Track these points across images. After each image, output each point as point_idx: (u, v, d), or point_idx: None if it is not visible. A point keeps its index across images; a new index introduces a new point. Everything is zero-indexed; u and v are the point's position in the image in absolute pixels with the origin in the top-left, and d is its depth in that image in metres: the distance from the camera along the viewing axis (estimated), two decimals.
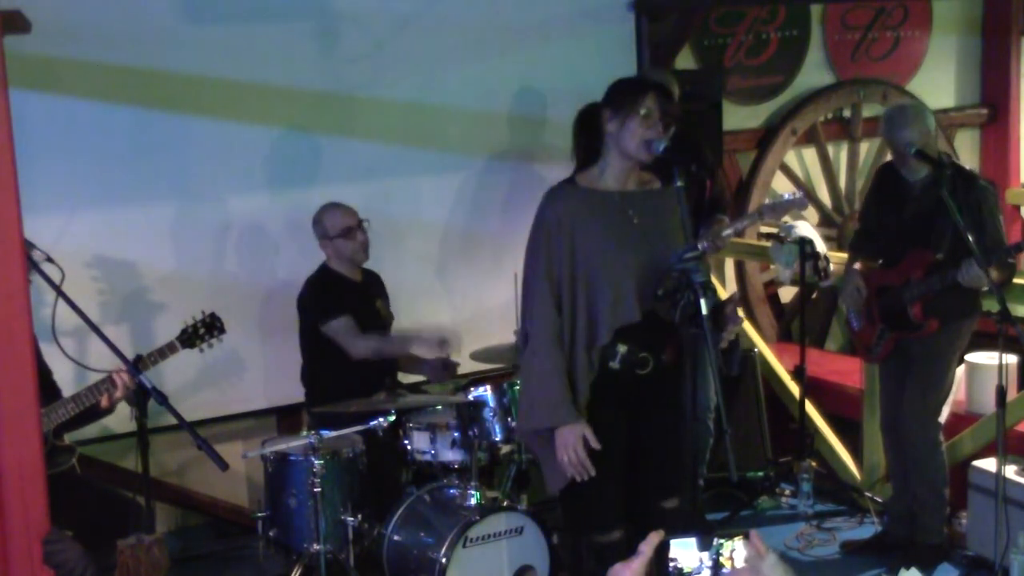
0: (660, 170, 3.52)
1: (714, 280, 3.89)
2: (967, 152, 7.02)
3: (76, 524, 3.81)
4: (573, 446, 3.32)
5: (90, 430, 4.58)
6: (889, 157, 4.71)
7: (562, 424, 3.33)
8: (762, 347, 5.57)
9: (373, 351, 4.54)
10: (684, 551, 1.95)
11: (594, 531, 3.47)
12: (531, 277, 3.44)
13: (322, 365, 4.63)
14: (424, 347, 4.62)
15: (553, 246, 3.38)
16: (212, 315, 4.18)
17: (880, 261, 4.53)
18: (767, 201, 5.63)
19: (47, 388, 3.86)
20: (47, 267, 3.57)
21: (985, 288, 4.08)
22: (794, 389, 5.27)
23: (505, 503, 4.11)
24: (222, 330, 4.20)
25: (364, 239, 4.63)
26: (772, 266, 5.76)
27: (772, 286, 6.36)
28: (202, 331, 4.15)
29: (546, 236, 3.40)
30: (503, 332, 4.80)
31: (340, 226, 4.59)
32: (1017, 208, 7.06)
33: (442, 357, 4.75)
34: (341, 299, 4.58)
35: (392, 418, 4.14)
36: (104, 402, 3.87)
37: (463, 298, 5.43)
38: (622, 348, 3.38)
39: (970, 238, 3.90)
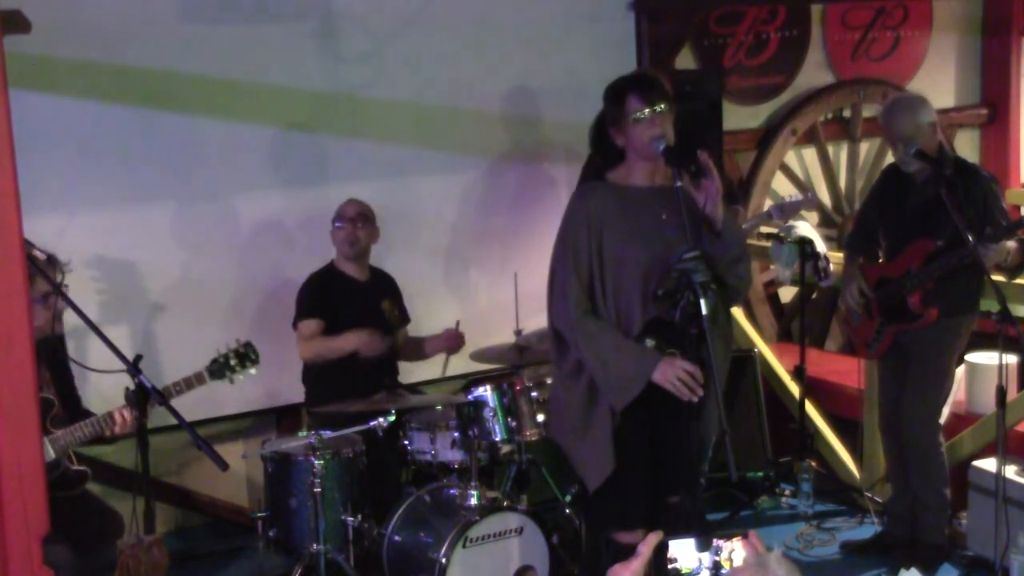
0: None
1: None
2: (967, 152, 7.01)
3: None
4: (675, 371, 3.30)
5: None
6: (890, 158, 4.71)
7: (654, 367, 3.32)
8: (762, 347, 5.57)
9: (315, 353, 4.56)
10: (683, 551, 1.95)
11: (618, 529, 3.48)
12: (558, 271, 3.46)
13: (321, 365, 4.63)
14: (369, 338, 4.53)
15: (582, 240, 3.40)
16: (247, 344, 3.94)
17: (880, 257, 4.54)
18: (777, 201, 5.63)
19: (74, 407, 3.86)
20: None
21: (1005, 260, 4.08)
22: (794, 389, 5.27)
23: (505, 503, 4.11)
24: (256, 361, 3.94)
25: (349, 232, 4.62)
26: (772, 266, 5.75)
27: (772, 286, 6.36)
28: (233, 362, 3.91)
29: (575, 231, 3.42)
30: (503, 332, 4.80)
31: (336, 213, 4.66)
32: (1017, 208, 7.06)
33: (449, 329, 4.81)
34: (322, 301, 4.61)
35: (392, 418, 4.14)
36: (107, 433, 3.86)
37: (464, 298, 5.43)
38: (650, 342, 3.39)
39: (968, 235, 3.92)
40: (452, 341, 4.80)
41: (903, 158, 4.27)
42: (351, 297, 4.65)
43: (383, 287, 4.80)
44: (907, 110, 4.30)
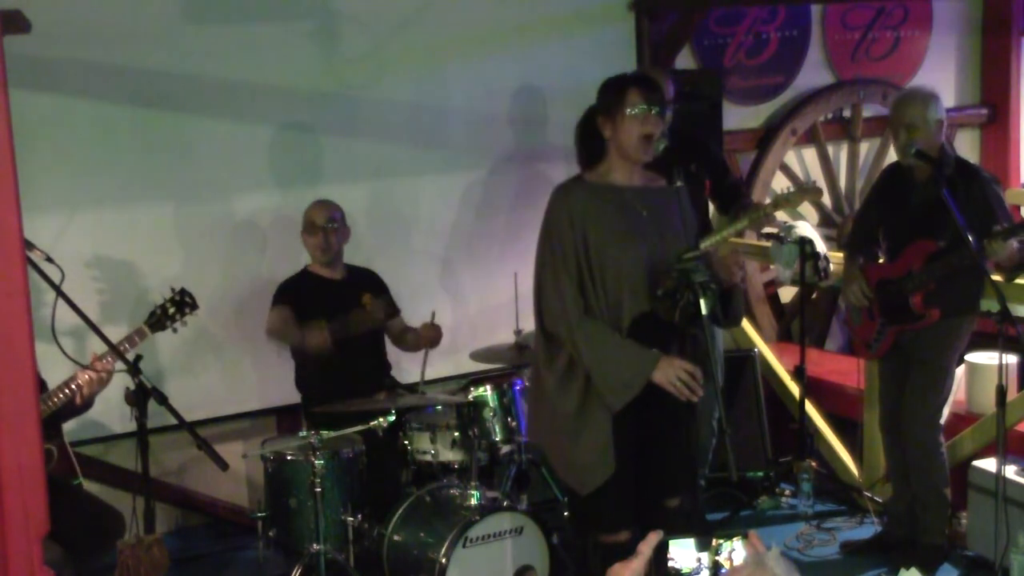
0: (662, 169, 3.54)
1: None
2: (967, 152, 7.00)
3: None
4: (676, 371, 3.31)
5: (91, 430, 4.60)
6: (890, 159, 4.71)
7: (654, 367, 3.32)
8: (762, 347, 5.57)
9: (276, 328, 4.57)
10: (683, 551, 1.95)
11: (602, 531, 3.47)
12: (547, 271, 3.45)
13: (313, 371, 4.63)
14: (313, 335, 4.46)
15: (567, 240, 3.39)
16: (182, 291, 4.02)
17: (880, 257, 4.54)
18: (784, 190, 5.63)
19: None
20: (47, 267, 3.57)
21: (1008, 260, 4.07)
22: (794, 389, 5.26)
23: (505, 503, 4.11)
24: (194, 306, 4.02)
25: (322, 240, 4.61)
26: (772, 266, 5.76)
27: (772, 286, 6.36)
28: (172, 311, 3.97)
29: (558, 230, 3.42)
30: (503, 332, 4.80)
31: (306, 220, 4.64)
32: (1017, 208, 7.05)
33: (424, 324, 4.74)
34: (295, 296, 4.62)
35: (392, 418, 4.14)
36: (78, 399, 3.83)
37: (464, 298, 5.43)
38: None
39: (969, 236, 3.92)
40: (428, 334, 4.73)
41: (904, 147, 4.26)
42: (326, 297, 4.64)
43: (360, 283, 4.76)
44: (917, 100, 4.31)
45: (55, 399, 3.79)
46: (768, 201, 5.08)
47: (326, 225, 4.62)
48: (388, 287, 4.86)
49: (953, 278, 4.19)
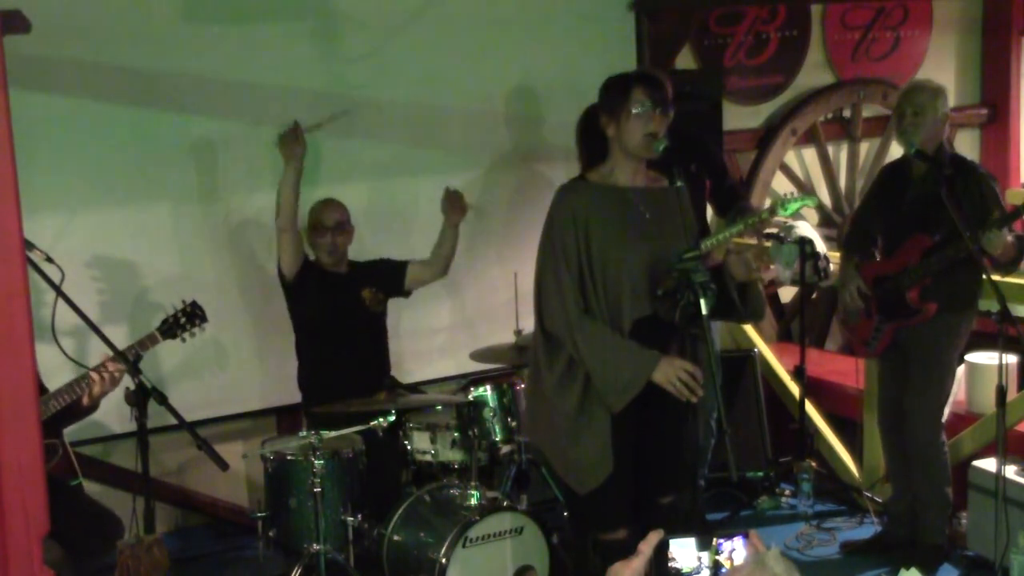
0: (663, 169, 3.53)
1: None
2: (967, 152, 7.00)
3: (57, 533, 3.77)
4: (676, 371, 3.30)
5: (91, 430, 4.60)
6: (889, 158, 4.71)
7: (654, 367, 3.32)
8: (762, 347, 5.57)
9: (281, 198, 4.53)
10: (683, 551, 1.95)
11: (601, 529, 3.47)
12: (548, 272, 3.43)
13: (315, 366, 4.64)
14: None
15: (569, 240, 3.38)
16: (193, 303, 4.13)
17: (877, 255, 4.54)
18: (787, 194, 5.62)
19: None
20: (47, 267, 3.57)
21: (999, 251, 4.07)
22: (794, 389, 5.27)
23: (505, 503, 4.11)
24: (204, 319, 4.14)
25: (331, 241, 4.61)
26: (772, 266, 5.75)
27: (772, 286, 6.35)
28: (183, 320, 4.09)
29: (560, 230, 3.40)
30: (503, 332, 4.79)
31: (313, 219, 4.63)
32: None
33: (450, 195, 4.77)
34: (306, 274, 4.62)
35: (392, 418, 4.14)
36: (85, 399, 3.85)
37: (464, 298, 5.43)
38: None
39: (966, 232, 3.92)
40: (456, 206, 4.75)
41: (908, 129, 4.25)
42: (328, 289, 4.64)
43: (365, 278, 4.76)
44: (929, 88, 4.33)
45: (62, 399, 3.80)
46: (767, 205, 5.08)
47: (334, 227, 4.62)
48: (390, 258, 4.84)
49: (950, 273, 4.19)
